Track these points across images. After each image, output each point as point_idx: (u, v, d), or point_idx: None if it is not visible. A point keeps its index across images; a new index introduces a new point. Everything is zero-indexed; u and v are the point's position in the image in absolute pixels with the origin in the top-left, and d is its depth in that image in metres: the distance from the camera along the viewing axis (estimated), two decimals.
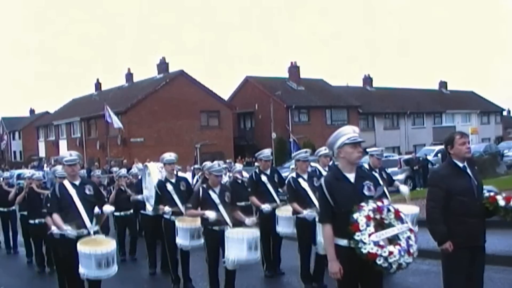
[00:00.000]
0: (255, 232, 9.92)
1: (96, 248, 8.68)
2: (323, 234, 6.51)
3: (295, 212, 11.18)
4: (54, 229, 9.54)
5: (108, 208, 9.77)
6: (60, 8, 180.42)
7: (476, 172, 7.39)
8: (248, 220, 10.37)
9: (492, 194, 7.20)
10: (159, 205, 11.84)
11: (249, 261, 9.84)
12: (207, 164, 12.22)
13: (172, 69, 58.67)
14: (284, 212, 12.03)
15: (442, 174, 7.23)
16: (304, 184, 11.06)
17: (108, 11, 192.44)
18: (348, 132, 6.53)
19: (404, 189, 11.92)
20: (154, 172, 12.81)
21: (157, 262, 13.73)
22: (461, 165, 7.11)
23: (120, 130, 49.03)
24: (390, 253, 5.94)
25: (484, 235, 7.15)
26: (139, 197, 14.73)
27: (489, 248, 7.46)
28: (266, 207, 12.01)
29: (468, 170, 7.14)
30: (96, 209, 9.63)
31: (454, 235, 6.87)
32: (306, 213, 10.78)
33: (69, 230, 8.93)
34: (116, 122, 44.44)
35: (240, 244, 9.61)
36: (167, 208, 11.55)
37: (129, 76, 64.89)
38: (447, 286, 7.15)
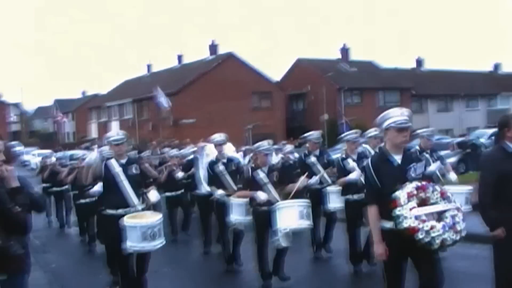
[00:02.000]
0: (306, 200, 9.96)
1: (141, 220, 8.72)
2: (368, 216, 6.47)
3: (343, 191, 11.20)
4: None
5: (153, 196, 9.77)
6: None
7: None
8: (300, 183, 10.41)
9: None
10: (212, 186, 11.94)
11: (301, 227, 9.83)
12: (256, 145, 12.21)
13: (222, 50, 58.77)
14: (334, 187, 11.99)
15: (493, 158, 6.98)
16: (353, 164, 11.03)
17: None
18: (396, 115, 6.44)
19: (453, 176, 11.77)
20: (212, 153, 12.81)
21: (210, 242, 13.77)
22: None
23: (169, 111, 49.13)
24: (432, 227, 5.86)
25: None
26: (179, 174, 15.02)
27: None
28: (314, 180, 12.04)
29: None
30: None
31: (506, 221, 6.63)
32: (352, 175, 10.87)
33: None
34: (164, 102, 44.35)
35: (291, 211, 9.59)
36: (220, 192, 11.62)
37: (180, 58, 65.18)
38: (498, 272, 6.94)
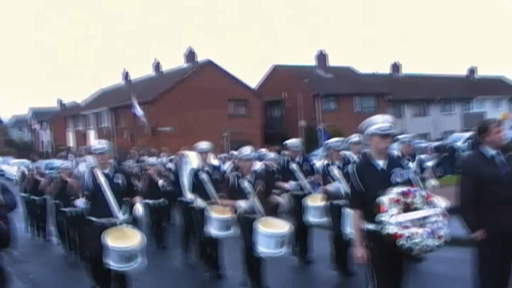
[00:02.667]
0: (285, 228, 9.85)
1: (121, 243, 8.85)
2: (351, 219, 6.58)
3: (326, 197, 11.23)
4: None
5: (138, 211, 9.72)
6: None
7: (509, 159, 7.25)
8: (281, 198, 10.57)
9: None
10: (194, 193, 11.89)
11: (276, 255, 9.74)
12: (235, 152, 12.25)
13: (200, 58, 58.75)
14: (314, 201, 12.04)
15: (473, 162, 7.17)
16: (336, 171, 11.08)
17: (137, 4, 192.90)
18: (380, 121, 6.57)
19: (434, 182, 11.86)
20: (194, 160, 12.83)
21: (191, 250, 13.74)
22: (493, 152, 7.02)
23: (145, 120, 49.10)
24: (414, 234, 5.95)
25: None
26: (160, 182, 15.14)
27: None
28: (290, 185, 12.11)
29: (502, 158, 7.05)
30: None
31: (486, 224, 6.81)
32: (336, 185, 10.87)
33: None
34: (138, 110, 44.13)
35: (268, 240, 9.57)
36: (200, 202, 11.64)
37: (157, 66, 65.14)
38: (478, 275, 7.09)
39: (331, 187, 10.92)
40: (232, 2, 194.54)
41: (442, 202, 10.98)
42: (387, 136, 6.50)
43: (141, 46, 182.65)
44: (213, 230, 11.07)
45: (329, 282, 11.27)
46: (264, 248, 9.45)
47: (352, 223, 6.67)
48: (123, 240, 8.93)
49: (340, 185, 10.71)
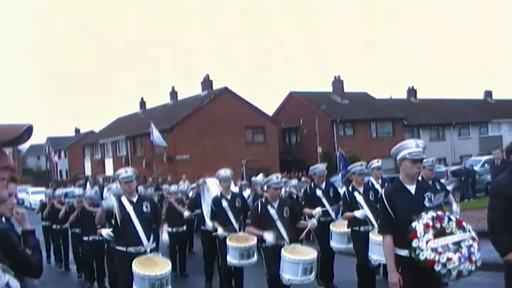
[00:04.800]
0: (312, 255, 9.83)
1: (151, 271, 8.83)
2: (383, 245, 6.57)
3: (349, 224, 11.19)
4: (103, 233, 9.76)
5: (165, 238, 9.77)
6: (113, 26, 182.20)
7: None
8: (310, 223, 10.48)
9: None
10: (214, 222, 11.90)
11: (303, 282, 9.76)
12: (257, 178, 12.24)
13: (216, 86, 58.91)
14: (339, 227, 12.04)
15: (503, 184, 7.12)
16: (359, 198, 11.06)
17: (147, 29, 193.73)
18: (411, 146, 6.61)
19: (455, 208, 11.87)
20: (213, 188, 12.86)
21: (213, 278, 13.72)
22: None
23: (165, 148, 49.22)
24: (449, 259, 5.95)
25: None
26: (186, 213, 14.95)
27: None
28: (317, 210, 12.07)
29: None
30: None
31: None
32: (357, 213, 10.84)
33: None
34: (159, 139, 44.12)
35: (295, 267, 9.56)
36: (220, 231, 11.61)
37: (173, 94, 65.30)
38: None
39: (358, 214, 10.86)
40: (247, 30, 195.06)
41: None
42: (418, 161, 6.55)
43: (157, 74, 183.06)
44: (232, 258, 11.06)
45: None
46: (290, 275, 9.44)
47: (383, 249, 6.65)
48: (153, 268, 8.93)
49: (364, 211, 10.73)
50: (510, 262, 6.85)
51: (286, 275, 9.55)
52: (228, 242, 11.09)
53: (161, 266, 9.03)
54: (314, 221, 10.70)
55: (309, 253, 9.79)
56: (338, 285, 12.57)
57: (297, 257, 9.60)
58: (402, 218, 6.30)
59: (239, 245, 10.92)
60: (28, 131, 2.72)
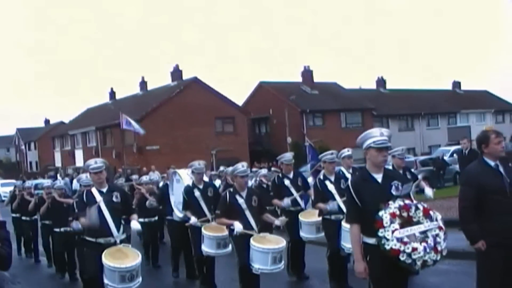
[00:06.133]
0: (281, 244, 9.85)
1: (121, 263, 8.77)
2: (350, 234, 6.60)
3: (320, 213, 11.23)
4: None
5: (136, 226, 9.65)
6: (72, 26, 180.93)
7: (510, 169, 7.31)
8: (277, 221, 10.43)
9: None
10: (186, 211, 11.89)
11: (273, 271, 9.77)
12: (228, 168, 12.23)
13: (185, 76, 58.91)
14: (308, 216, 12.08)
15: (474, 173, 7.20)
16: (331, 186, 11.07)
17: (118, 21, 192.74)
18: (376, 135, 6.62)
19: (429, 191, 11.95)
20: (185, 178, 12.82)
21: (179, 268, 13.77)
22: (492, 163, 7.10)
23: (135, 138, 48.94)
24: (414, 249, 5.98)
25: None
26: (154, 203, 14.89)
27: None
28: (286, 202, 12.07)
29: (501, 168, 7.10)
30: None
31: (488, 234, 6.86)
32: (330, 205, 10.83)
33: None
34: (138, 129, 43.46)
35: (265, 256, 9.59)
36: (193, 220, 11.59)
37: (143, 84, 65.10)
38: (481, 286, 7.14)
39: (331, 205, 10.82)
40: (216, 20, 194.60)
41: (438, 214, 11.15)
42: (384, 150, 6.54)
43: (127, 65, 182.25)
44: (208, 248, 11.08)
45: None
46: (260, 264, 9.47)
47: (350, 238, 6.69)
48: (124, 260, 8.87)
49: (336, 201, 10.76)
50: (480, 250, 6.94)
51: (256, 265, 9.58)
52: (204, 231, 11.11)
53: (132, 258, 8.97)
54: (282, 219, 10.73)
55: (278, 242, 9.80)
56: (309, 275, 12.57)
57: (266, 246, 9.63)
58: (370, 208, 6.31)
59: (216, 234, 10.93)
60: None
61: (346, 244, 10.23)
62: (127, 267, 8.72)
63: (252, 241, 9.64)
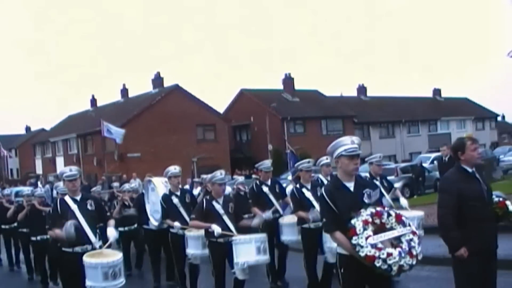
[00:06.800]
0: (263, 235, 9.98)
1: (103, 259, 8.62)
2: (336, 242, 6.47)
3: (300, 221, 11.21)
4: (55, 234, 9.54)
5: (112, 234, 9.39)
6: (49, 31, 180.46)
7: (484, 177, 7.35)
8: (255, 221, 10.53)
9: (501, 199, 7.29)
10: (167, 220, 11.85)
11: (259, 262, 9.87)
12: (208, 176, 12.21)
13: (166, 83, 58.92)
14: (287, 219, 12.08)
15: (452, 180, 7.19)
16: (308, 194, 11.06)
17: (104, 25, 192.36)
18: (346, 143, 6.56)
19: (404, 202, 11.96)
20: (160, 187, 12.80)
21: (161, 275, 13.67)
22: (470, 170, 7.12)
23: (116, 146, 48.76)
24: (389, 254, 5.96)
25: (496, 240, 7.16)
26: (131, 211, 14.83)
27: (499, 253, 7.36)
28: (267, 214, 11.89)
29: (477, 175, 7.16)
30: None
31: (467, 241, 6.86)
32: (311, 214, 10.67)
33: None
34: (119, 135, 42.87)
35: (248, 246, 9.64)
36: (176, 224, 11.53)
37: (124, 91, 65.04)
38: None
39: (312, 214, 10.65)
40: (198, 28, 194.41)
41: (418, 212, 11.19)
42: (355, 157, 6.48)
43: (108, 71, 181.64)
44: (195, 250, 11.10)
45: None
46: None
47: (340, 246, 6.53)
48: (104, 257, 8.71)
49: (316, 209, 10.71)
50: (462, 257, 6.91)
51: (241, 259, 9.65)
52: (189, 233, 11.13)
53: (112, 256, 8.82)
54: (263, 216, 10.77)
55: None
56: (290, 281, 12.57)
57: (248, 237, 9.81)
58: (342, 216, 6.28)
59: (199, 233, 10.84)
60: None
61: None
62: (109, 262, 8.53)
63: (234, 240, 9.74)
